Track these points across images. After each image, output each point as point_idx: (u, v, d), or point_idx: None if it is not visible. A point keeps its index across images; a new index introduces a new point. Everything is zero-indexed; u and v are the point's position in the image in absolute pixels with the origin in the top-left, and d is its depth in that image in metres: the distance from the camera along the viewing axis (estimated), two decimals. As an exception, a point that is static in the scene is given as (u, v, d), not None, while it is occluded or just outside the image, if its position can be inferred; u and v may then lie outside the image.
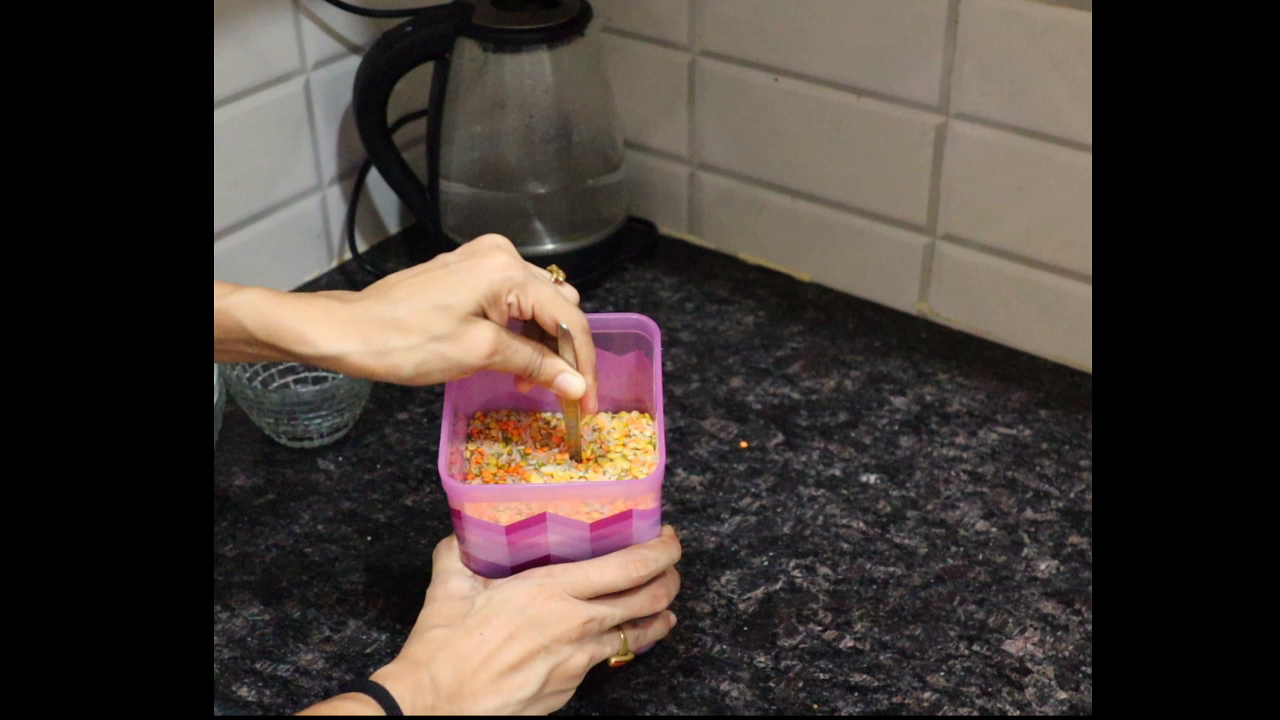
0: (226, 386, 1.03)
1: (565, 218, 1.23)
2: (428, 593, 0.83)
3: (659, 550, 0.83)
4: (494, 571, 0.82)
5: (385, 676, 0.76)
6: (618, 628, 0.83)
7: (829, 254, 1.23)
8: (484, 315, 0.81)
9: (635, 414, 0.92)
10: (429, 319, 0.79)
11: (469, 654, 0.77)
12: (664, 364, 1.15)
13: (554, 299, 0.82)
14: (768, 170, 1.23)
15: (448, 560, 0.83)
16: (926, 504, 1.00)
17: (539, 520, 0.80)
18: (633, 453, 0.88)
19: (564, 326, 0.82)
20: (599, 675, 0.85)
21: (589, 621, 0.80)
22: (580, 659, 0.80)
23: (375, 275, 1.26)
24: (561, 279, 0.86)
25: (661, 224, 1.33)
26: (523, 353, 0.82)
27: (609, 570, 0.81)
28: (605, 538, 0.81)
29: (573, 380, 0.84)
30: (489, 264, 0.81)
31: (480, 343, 0.80)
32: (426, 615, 0.81)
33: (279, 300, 0.79)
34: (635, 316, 0.90)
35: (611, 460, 0.87)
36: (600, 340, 0.90)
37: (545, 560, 0.82)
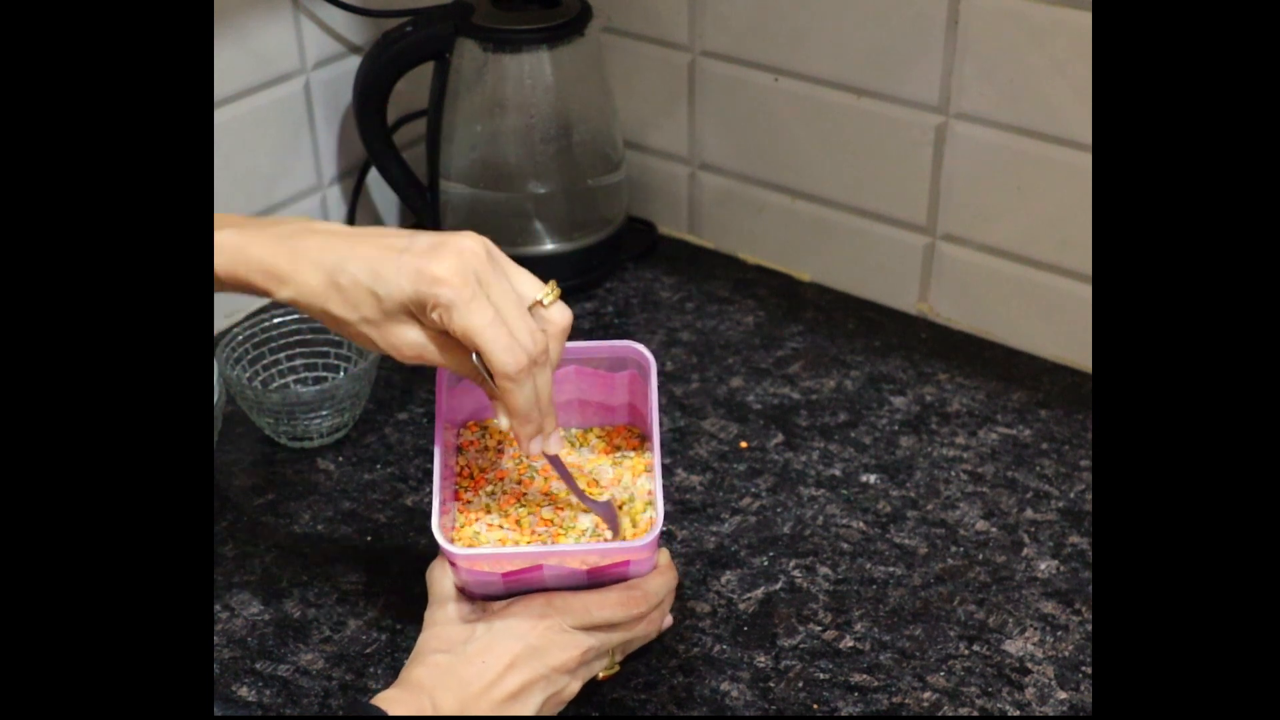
0: (226, 386, 1.03)
1: (565, 218, 1.23)
2: (426, 616, 0.82)
3: (658, 583, 0.83)
4: (490, 599, 0.82)
5: (387, 701, 0.75)
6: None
7: (829, 254, 1.23)
8: (416, 318, 0.76)
9: (631, 451, 0.91)
10: (361, 299, 0.75)
11: (471, 681, 0.77)
12: (664, 364, 1.15)
13: (485, 332, 0.74)
14: (768, 170, 1.23)
15: (443, 583, 0.83)
16: (926, 504, 1.00)
17: (536, 568, 0.79)
18: (631, 493, 0.88)
19: (475, 360, 0.76)
20: (592, 681, 0.84)
21: (588, 652, 0.81)
22: (575, 686, 0.81)
23: (375, 275, 1.26)
24: (550, 299, 0.78)
25: (661, 224, 1.33)
26: (453, 363, 0.77)
27: (609, 605, 0.81)
28: (603, 576, 0.81)
29: (500, 416, 0.78)
30: (430, 270, 0.74)
31: (402, 344, 0.76)
32: (426, 639, 0.81)
33: (250, 239, 0.76)
34: (631, 345, 0.88)
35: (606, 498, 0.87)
36: (594, 361, 0.89)
37: (543, 589, 0.82)
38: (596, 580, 0.81)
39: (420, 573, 0.90)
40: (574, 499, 0.86)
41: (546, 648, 0.79)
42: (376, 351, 0.78)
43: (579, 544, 0.83)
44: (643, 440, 0.91)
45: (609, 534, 0.84)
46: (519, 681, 0.78)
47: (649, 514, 0.85)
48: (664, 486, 0.88)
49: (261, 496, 1.01)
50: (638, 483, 0.88)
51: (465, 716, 0.76)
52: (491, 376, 0.76)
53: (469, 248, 0.75)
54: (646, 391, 0.87)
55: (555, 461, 0.83)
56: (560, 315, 0.78)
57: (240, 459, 1.05)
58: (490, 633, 0.79)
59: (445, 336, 0.76)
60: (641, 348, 0.87)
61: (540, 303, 0.77)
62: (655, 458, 0.85)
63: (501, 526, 0.85)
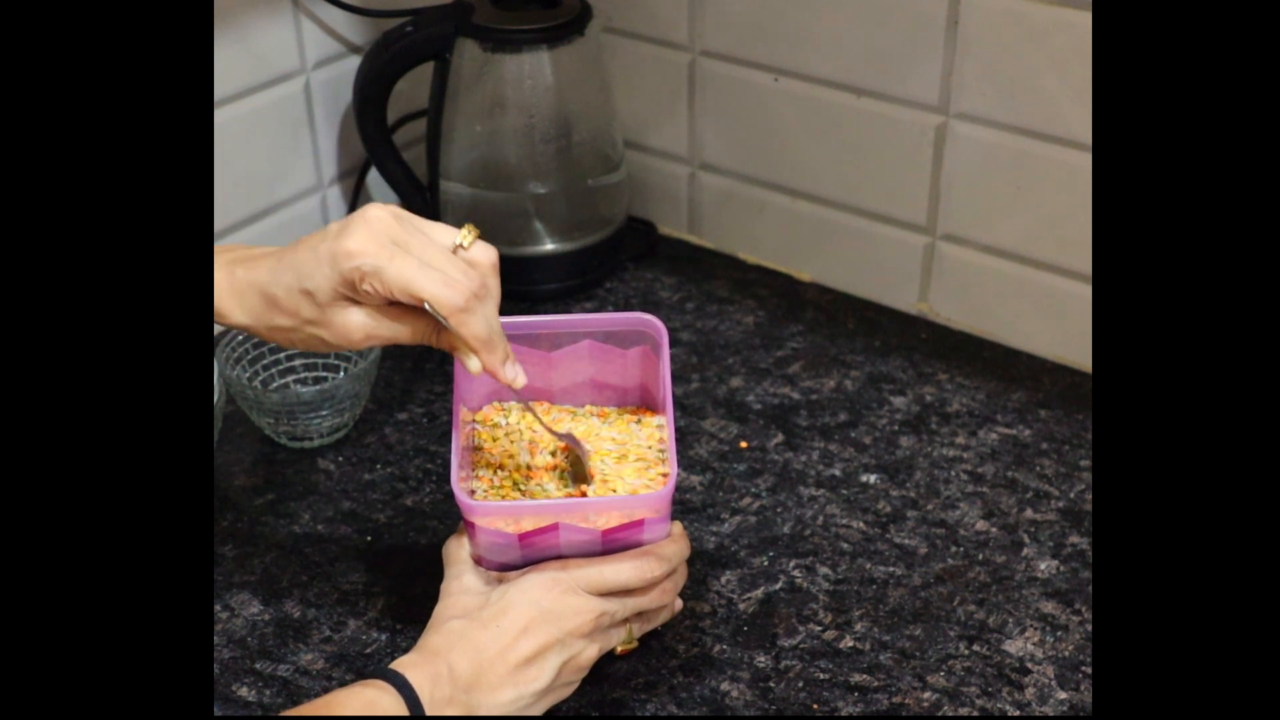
0: (226, 386, 1.03)
1: (565, 218, 1.23)
2: (442, 587, 0.83)
3: (671, 550, 0.84)
4: (506, 570, 0.83)
5: (404, 665, 0.77)
6: (625, 619, 0.83)
7: (829, 254, 1.23)
8: (352, 299, 0.77)
9: (643, 415, 0.92)
10: (298, 303, 0.78)
11: (486, 645, 0.78)
12: (664, 364, 1.15)
13: (417, 279, 0.76)
14: (768, 170, 1.23)
15: (459, 554, 0.84)
16: (926, 504, 1.00)
17: (552, 528, 0.80)
18: (645, 456, 0.88)
19: (427, 307, 0.77)
20: (600, 671, 0.85)
21: (602, 616, 0.81)
22: (591, 652, 0.81)
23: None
24: (469, 241, 0.79)
25: (661, 224, 1.33)
26: (404, 331, 0.79)
27: (624, 570, 0.82)
28: (617, 541, 0.82)
29: (468, 361, 0.80)
30: (342, 250, 0.76)
31: (350, 329, 0.78)
32: (443, 608, 0.82)
33: None
34: (642, 316, 0.89)
35: (622, 477, 0.87)
36: (606, 336, 0.90)
37: (557, 557, 0.82)
38: (610, 547, 0.82)
39: (420, 572, 0.90)
40: (545, 433, 0.90)
41: (561, 612, 0.80)
42: (330, 350, 0.80)
43: (594, 498, 0.84)
44: (651, 410, 0.92)
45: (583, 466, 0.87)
46: (534, 645, 0.78)
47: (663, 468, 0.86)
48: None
49: (261, 496, 1.01)
50: (645, 435, 0.89)
51: (481, 718, 0.77)
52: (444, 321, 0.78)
53: (375, 216, 0.77)
54: (658, 368, 0.88)
55: (520, 397, 0.86)
56: (484, 253, 0.80)
57: (240, 459, 1.05)
58: (505, 598, 0.80)
59: (388, 307, 0.78)
60: (653, 318, 0.89)
61: (461, 246, 0.79)
62: (668, 410, 0.86)
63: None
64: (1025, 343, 1.16)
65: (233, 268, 0.79)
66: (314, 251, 0.77)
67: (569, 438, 0.89)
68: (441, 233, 0.79)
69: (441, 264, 0.77)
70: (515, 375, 0.81)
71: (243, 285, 0.79)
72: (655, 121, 1.28)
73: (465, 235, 0.79)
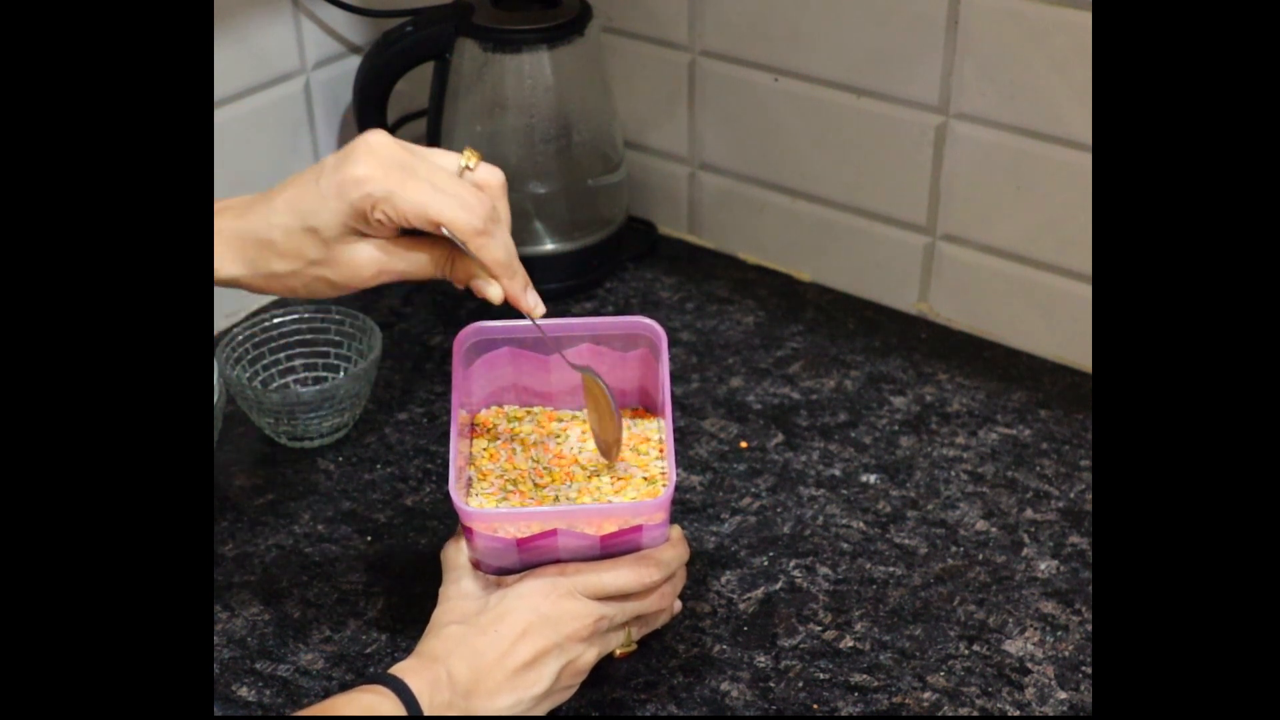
0: (226, 386, 1.03)
1: (565, 218, 1.23)
2: (440, 591, 0.83)
3: (669, 555, 0.84)
4: (505, 574, 0.83)
5: (403, 670, 0.77)
6: (624, 623, 0.83)
7: (829, 254, 1.23)
8: (361, 232, 0.74)
9: (641, 419, 0.92)
10: (301, 244, 0.74)
11: (485, 650, 0.78)
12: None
13: (431, 202, 0.73)
14: (768, 170, 1.23)
15: (458, 559, 0.83)
16: (926, 504, 1.00)
17: (550, 534, 0.80)
18: (642, 462, 0.88)
19: (444, 232, 0.74)
20: (600, 671, 0.85)
21: (600, 620, 0.81)
22: (589, 656, 0.81)
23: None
24: (475, 163, 0.77)
25: (661, 224, 1.33)
26: (418, 263, 0.76)
27: (622, 575, 0.81)
28: (615, 546, 0.82)
29: (486, 288, 0.77)
30: (348, 179, 0.72)
31: (360, 266, 0.75)
32: (441, 612, 0.81)
33: None
34: (642, 320, 0.89)
35: (623, 477, 0.87)
36: (605, 340, 0.90)
37: (555, 561, 0.82)
38: (609, 551, 0.82)
39: (420, 573, 0.90)
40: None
41: (559, 616, 0.79)
42: (336, 293, 0.76)
43: (593, 504, 0.84)
44: (651, 413, 0.92)
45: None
46: (532, 650, 0.78)
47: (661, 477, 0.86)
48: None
49: (261, 496, 1.01)
50: (649, 441, 0.89)
51: (480, 718, 0.77)
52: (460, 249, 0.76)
53: (377, 142, 0.75)
54: (658, 369, 0.88)
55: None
56: (492, 174, 0.78)
57: (240, 459, 1.05)
58: (503, 603, 0.80)
59: (397, 240, 0.75)
60: (652, 322, 0.88)
61: (467, 168, 0.77)
62: (667, 423, 0.86)
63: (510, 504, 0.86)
64: (1025, 343, 1.16)
65: (215, 220, 0.75)
66: (315, 186, 0.74)
67: (589, 370, 0.85)
68: (445, 157, 0.77)
69: (453, 188, 0.74)
70: (536, 303, 0.79)
71: (230, 235, 0.75)
72: (655, 121, 1.28)
73: (469, 157, 0.77)
